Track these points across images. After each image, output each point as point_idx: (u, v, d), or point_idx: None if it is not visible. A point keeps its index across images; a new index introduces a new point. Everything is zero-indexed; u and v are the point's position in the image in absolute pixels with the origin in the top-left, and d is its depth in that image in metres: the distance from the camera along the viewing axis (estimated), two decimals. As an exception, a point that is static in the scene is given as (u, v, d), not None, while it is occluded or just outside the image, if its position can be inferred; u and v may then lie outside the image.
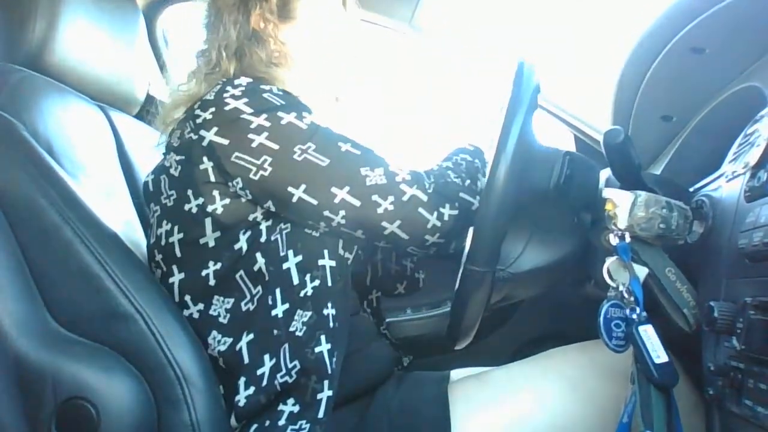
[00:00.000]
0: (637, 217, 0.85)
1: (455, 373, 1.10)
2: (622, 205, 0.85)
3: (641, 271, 0.86)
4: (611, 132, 0.88)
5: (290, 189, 0.93)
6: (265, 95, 0.96)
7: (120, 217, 1.09)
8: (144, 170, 1.25)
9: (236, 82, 0.98)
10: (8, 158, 0.94)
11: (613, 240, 0.86)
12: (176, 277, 0.98)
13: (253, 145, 0.93)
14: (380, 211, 0.94)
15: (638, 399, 0.79)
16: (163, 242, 0.99)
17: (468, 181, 1.00)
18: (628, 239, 0.86)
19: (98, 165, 1.15)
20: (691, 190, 0.96)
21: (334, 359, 0.94)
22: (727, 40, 1.04)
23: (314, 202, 0.94)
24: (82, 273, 0.90)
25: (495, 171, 0.83)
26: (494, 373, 1.05)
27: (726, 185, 0.84)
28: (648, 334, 0.81)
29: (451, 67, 1.74)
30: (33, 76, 1.08)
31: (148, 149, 1.27)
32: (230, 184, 0.95)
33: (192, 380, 0.88)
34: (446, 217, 0.95)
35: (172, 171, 0.99)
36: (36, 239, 0.91)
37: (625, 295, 0.85)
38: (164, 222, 0.99)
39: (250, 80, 0.98)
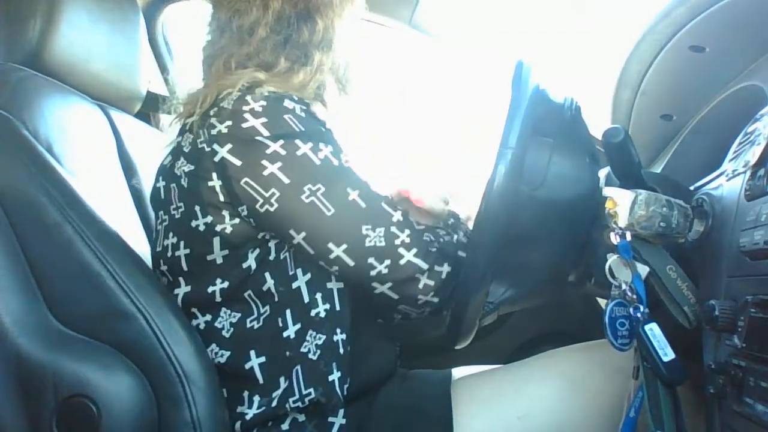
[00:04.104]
0: (638, 216, 0.85)
1: (457, 372, 1.10)
2: (623, 204, 0.85)
3: (642, 270, 0.86)
4: (611, 130, 0.88)
5: (292, 232, 0.92)
6: (286, 116, 0.92)
7: (120, 215, 1.09)
8: (144, 169, 1.25)
9: (258, 91, 0.93)
10: (9, 157, 0.94)
11: (614, 238, 0.86)
12: (182, 289, 0.97)
13: (265, 173, 0.90)
14: (373, 273, 0.92)
15: (647, 398, 0.80)
16: (169, 254, 0.97)
17: (455, 237, 1.00)
18: (628, 238, 0.86)
19: (98, 164, 1.15)
20: (692, 188, 0.96)
21: (346, 386, 0.94)
22: (728, 38, 1.04)
23: (311, 251, 0.93)
24: (83, 271, 0.90)
25: (495, 175, 0.83)
26: (496, 373, 1.05)
27: (726, 184, 0.84)
28: (654, 332, 0.82)
29: (451, 67, 1.74)
30: (33, 75, 1.08)
31: (149, 148, 1.27)
32: (239, 209, 0.93)
33: (193, 378, 0.88)
34: (443, 276, 0.94)
35: (182, 182, 0.96)
36: (36, 238, 0.91)
37: (628, 294, 0.85)
38: (171, 234, 0.97)
39: (273, 90, 0.94)
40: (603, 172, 0.99)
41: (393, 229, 0.93)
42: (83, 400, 0.84)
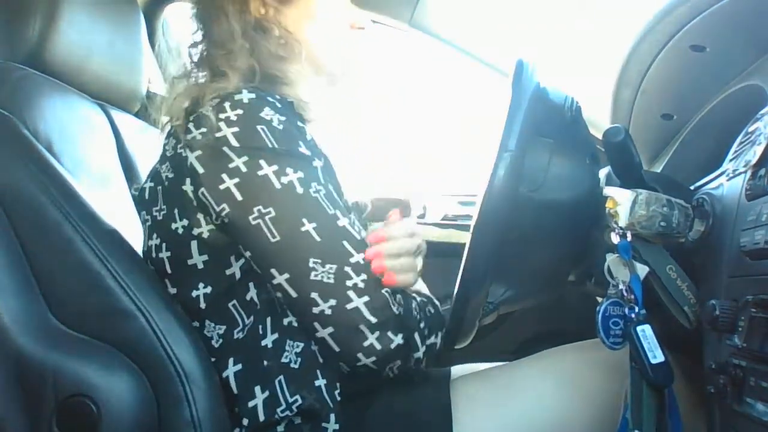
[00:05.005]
0: (638, 216, 0.85)
1: (455, 371, 1.10)
2: (623, 204, 0.85)
3: (642, 270, 0.86)
4: (612, 130, 0.89)
5: (240, 248, 0.91)
6: (259, 128, 0.88)
7: (120, 214, 1.09)
8: (144, 169, 1.25)
9: (236, 97, 0.90)
10: (9, 156, 0.94)
11: (615, 238, 0.86)
12: (170, 290, 0.96)
13: (222, 187, 0.87)
14: (315, 311, 0.87)
15: (630, 398, 0.80)
16: (154, 255, 0.97)
17: (426, 331, 0.93)
18: (629, 237, 0.86)
19: (98, 163, 1.15)
20: (692, 188, 0.96)
21: (336, 392, 0.93)
22: (728, 38, 1.04)
23: (258, 270, 0.90)
24: (83, 270, 0.90)
25: (494, 178, 0.83)
26: (495, 372, 1.05)
27: (727, 183, 0.84)
28: (646, 333, 0.82)
29: (452, 66, 1.75)
30: (33, 74, 1.08)
31: (149, 147, 1.27)
32: (206, 217, 0.91)
33: (193, 377, 0.88)
34: (392, 346, 0.87)
35: (165, 184, 0.95)
36: (36, 236, 0.91)
37: (625, 294, 0.85)
38: (154, 235, 0.97)
39: (253, 96, 0.90)
40: (603, 172, 0.99)
41: (347, 269, 0.87)
42: (83, 400, 0.84)
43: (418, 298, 0.96)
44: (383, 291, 0.89)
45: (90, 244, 0.91)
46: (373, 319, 0.87)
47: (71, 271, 0.90)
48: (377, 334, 0.87)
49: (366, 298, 0.87)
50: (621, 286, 0.86)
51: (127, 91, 1.31)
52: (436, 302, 1.01)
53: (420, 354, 0.92)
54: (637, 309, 0.84)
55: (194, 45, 1.04)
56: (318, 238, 0.87)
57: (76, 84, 1.18)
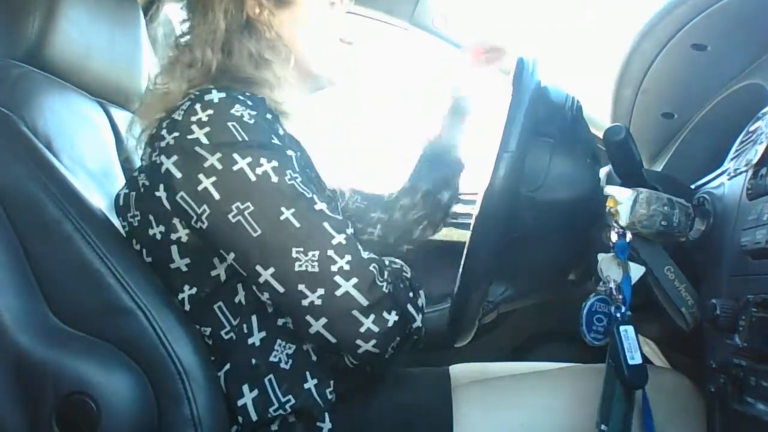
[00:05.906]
0: (639, 215, 0.85)
1: (454, 369, 1.09)
2: (624, 203, 0.85)
3: (637, 271, 0.87)
4: (612, 129, 0.89)
5: (223, 252, 0.88)
6: (230, 124, 0.87)
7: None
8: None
9: (206, 98, 0.88)
10: (8, 154, 0.94)
11: (614, 237, 0.86)
12: None
13: (200, 188, 0.85)
14: (305, 303, 0.83)
15: (602, 393, 0.82)
16: None
17: (411, 294, 0.90)
18: (629, 237, 0.86)
19: (97, 161, 1.15)
20: (693, 187, 0.96)
21: (329, 390, 0.92)
22: (730, 37, 1.04)
23: (243, 273, 0.88)
24: (83, 268, 0.90)
25: (494, 179, 0.83)
26: (502, 381, 1.02)
27: (728, 183, 0.84)
28: (628, 334, 0.83)
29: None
30: (32, 71, 1.08)
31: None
32: (182, 223, 0.90)
33: (193, 375, 0.88)
34: (389, 324, 0.84)
35: (140, 191, 0.94)
36: (36, 234, 0.90)
37: (614, 293, 0.85)
38: (134, 241, 0.96)
39: (224, 96, 0.89)
40: (604, 171, 0.99)
41: (330, 253, 0.84)
42: (83, 398, 0.84)
43: (394, 266, 0.94)
44: (370, 268, 0.85)
45: (90, 242, 0.90)
46: (365, 301, 0.83)
47: (71, 269, 0.90)
48: (372, 317, 0.84)
49: (354, 280, 0.84)
50: (611, 285, 0.86)
51: (127, 89, 1.31)
52: (401, 263, 0.97)
53: (418, 322, 0.90)
54: (623, 309, 0.84)
55: (179, 37, 1.03)
56: (297, 224, 0.84)
57: (75, 82, 1.17)
